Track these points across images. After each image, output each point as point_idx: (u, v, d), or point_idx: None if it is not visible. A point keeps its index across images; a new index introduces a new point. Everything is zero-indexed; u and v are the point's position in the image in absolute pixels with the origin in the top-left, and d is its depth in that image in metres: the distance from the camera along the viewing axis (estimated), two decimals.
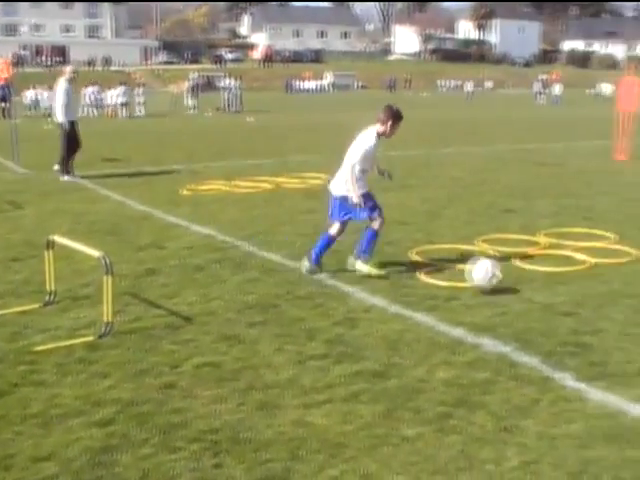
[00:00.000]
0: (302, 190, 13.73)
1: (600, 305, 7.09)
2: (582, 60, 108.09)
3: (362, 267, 7.93)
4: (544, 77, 66.37)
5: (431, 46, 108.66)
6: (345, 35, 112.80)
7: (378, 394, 5.12)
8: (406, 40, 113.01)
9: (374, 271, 7.91)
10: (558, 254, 9.00)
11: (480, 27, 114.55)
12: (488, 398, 5.07)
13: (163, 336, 6.20)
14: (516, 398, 5.08)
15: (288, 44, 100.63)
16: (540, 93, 58.84)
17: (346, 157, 7.88)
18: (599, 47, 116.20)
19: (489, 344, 6.05)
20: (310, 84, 75.70)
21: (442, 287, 7.59)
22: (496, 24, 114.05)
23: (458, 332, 6.32)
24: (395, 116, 7.79)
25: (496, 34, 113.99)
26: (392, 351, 5.89)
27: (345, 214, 7.94)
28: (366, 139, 7.81)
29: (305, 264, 8.05)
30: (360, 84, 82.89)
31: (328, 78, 79.30)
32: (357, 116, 36.60)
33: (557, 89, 58.11)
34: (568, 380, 5.38)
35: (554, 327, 6.49)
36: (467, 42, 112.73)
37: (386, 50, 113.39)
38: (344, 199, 7.86)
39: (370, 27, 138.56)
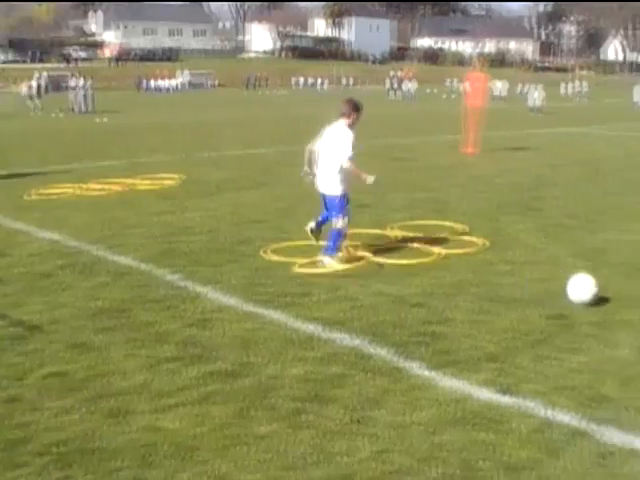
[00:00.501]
0: (155, 191, 13.47)
1: (449, 295, 7.32)
2: (433, 57, 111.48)
3: (329, 262, 8.21)
4: (397, 73, 67.81)
5: (287, 44, 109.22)
6: (199, 33, 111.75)
7: (231, 394, 5.09)
8: (261, 38, 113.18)
9: (339, 266, 8.17)
10: (409, 246, 9.22)
11: (335, 25, 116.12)
12: (341, 391, 5.13)
13: (7, 347, 5.94)
14: (368, 390, 5.17)
15: (140, 42, 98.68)
16: (393, 89, 60.05)
17: (330, 156, 8.38)
18: (449, 44, 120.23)
19: (342, 338, 6.13)
20: (164, 83, 74.38)
21: (295, 284, 7.62)
22: (350, 22, 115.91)
23: (311, 328, 6.36)
24: (356, 108, 8.47)
25: (350, 32, 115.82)
26: (245, 350, 5.86)
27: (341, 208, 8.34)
28: (345, 133, 8.36)
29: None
30: (217, 82, 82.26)
31: (183, 77, 78.25)
32: (212, 115, 36.47)
33: (410, 86, 59.56)
34: (419, 369, 5.52)
35: (405, 318, 6.63)
36: (322, 40, 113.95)
37: (240, 48, 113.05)
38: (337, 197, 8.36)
39: (225, 25, 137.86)
